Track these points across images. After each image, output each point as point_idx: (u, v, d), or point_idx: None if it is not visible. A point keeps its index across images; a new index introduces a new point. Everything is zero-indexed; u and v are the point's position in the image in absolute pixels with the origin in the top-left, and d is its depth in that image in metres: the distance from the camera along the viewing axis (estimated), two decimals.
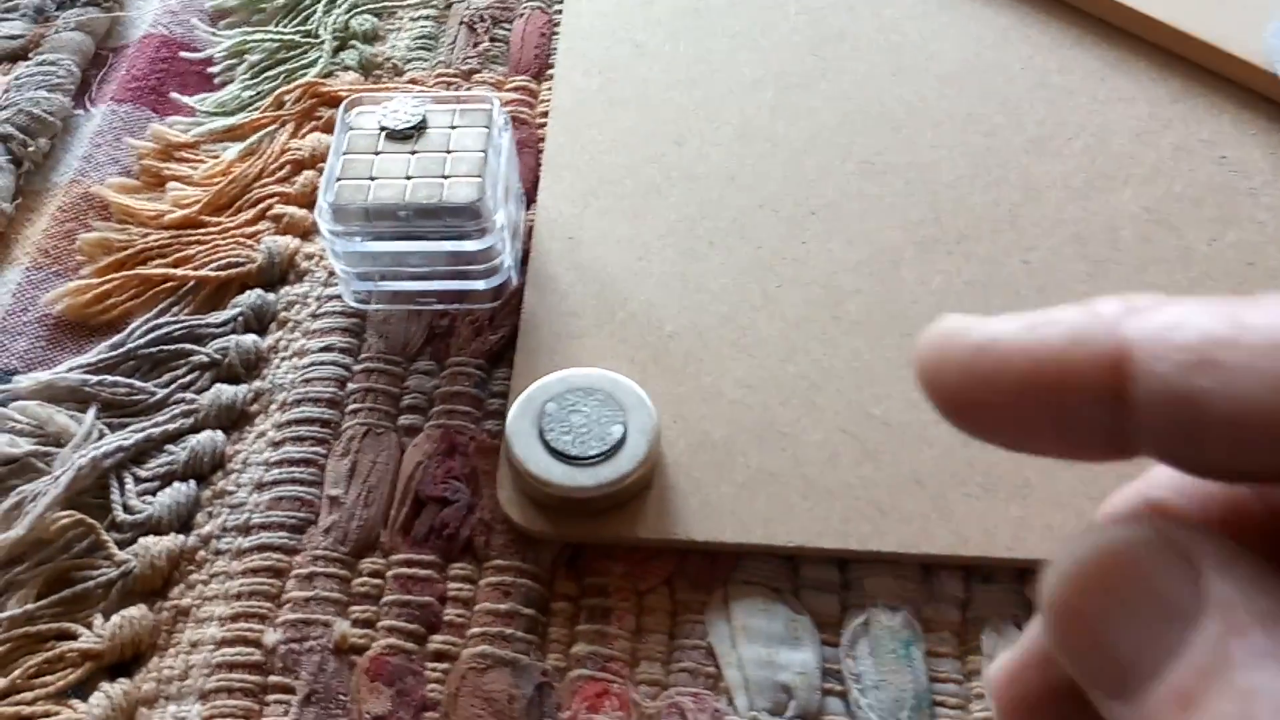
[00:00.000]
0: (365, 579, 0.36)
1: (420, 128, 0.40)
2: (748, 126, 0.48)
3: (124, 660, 0.34)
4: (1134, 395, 0.15)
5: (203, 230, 0.44)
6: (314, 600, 0.35)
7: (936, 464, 0.37)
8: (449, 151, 0.40)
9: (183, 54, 0.51)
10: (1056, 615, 0.17)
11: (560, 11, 0.53)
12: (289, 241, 0.44)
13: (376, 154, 0.40)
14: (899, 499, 0.36)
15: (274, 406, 0.40)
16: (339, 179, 0.39)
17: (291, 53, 0.51)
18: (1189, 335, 0.15)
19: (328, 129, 0.47)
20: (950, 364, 0.17)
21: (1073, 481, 0.36)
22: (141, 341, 0.41)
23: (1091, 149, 0.46)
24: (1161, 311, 0.15)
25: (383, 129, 0.40)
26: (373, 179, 0.39)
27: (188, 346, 0.41)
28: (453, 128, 0.41)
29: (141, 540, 0.36)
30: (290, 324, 0.42)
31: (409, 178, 0.39)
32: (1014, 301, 0.41)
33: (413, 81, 0.50)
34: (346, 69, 0.51)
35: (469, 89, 0.50)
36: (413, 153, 0.40)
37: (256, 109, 0.49)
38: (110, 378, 0.40)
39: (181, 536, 0.36)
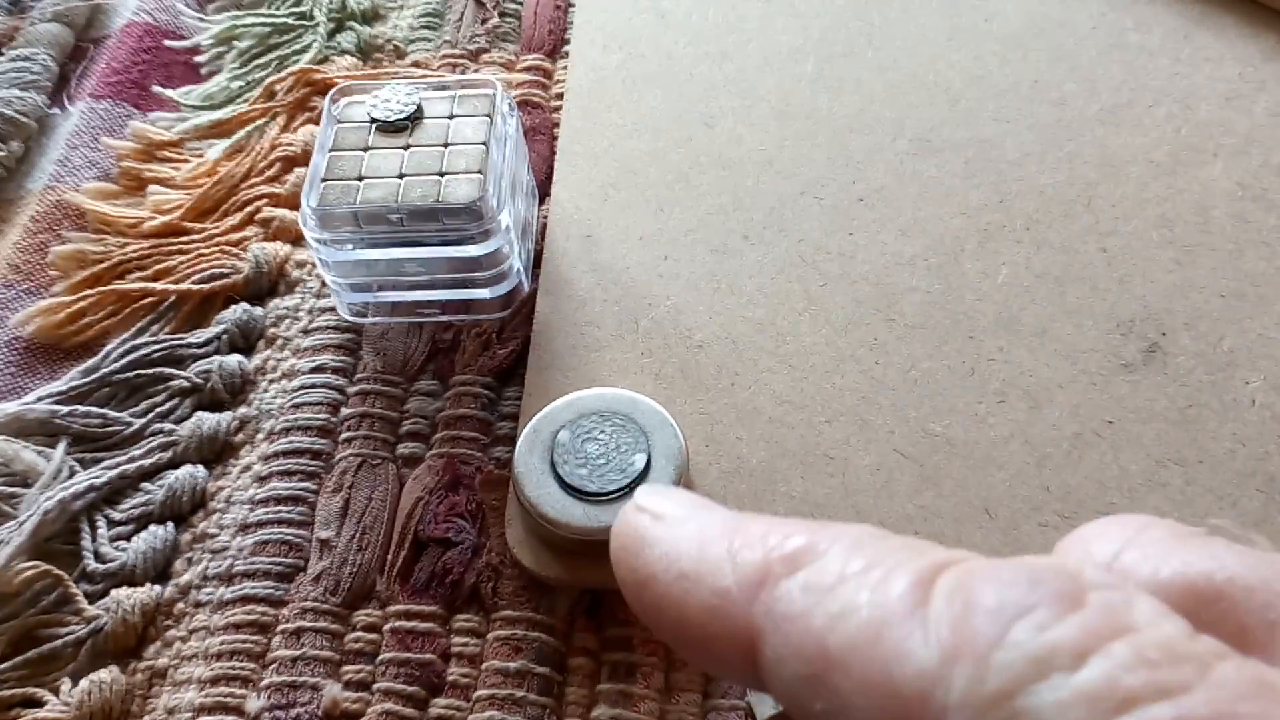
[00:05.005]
0: (359, 634, 0.31)
1: (415, 118, 0.36)
2: (786, 103, 0.43)
3: None
4: (763, 674, 0.15)
5: (185, 238, 0.40)
6: (302, 660, 0.31)
7: (1008, 490, 0.32)
8: (446, 145, 0.35)
9: (167, 43, 0.47)
10: None
11: None
12: (278, 248, 0.40)
13: (366, 150, 0.36)
14: (965, 530, 0.32)
15: (260, 436, 0.35)
16: (324, 179, 0.35)
17: (285, 37, 0.47)
18: (808, 645, 0.15)
19: None
20: (622, 569, 0.18)
21: (1163, 506, 0.31)
22: (117, 366, 0.37)
23: (1175, 117, 0.41)
24: (791, 596, 0.16)
25: (373, 121, 0.36)
26: (362, 179, 0.35)
27: (166, 370, 0.37)
28: (451, 117, 0.36)
29: (114, 593, 0.32)
30: (279, 341, 0.38)
31: (402, 176, 0.35)
32: (1091, 296, 0.36)
33: (416, 64, 0.46)
34: (344, 53, 0.46)
35: (476, 71, 0.45)
36: (406, 147, 0.35)
37: (246, 101, 0.45)
38: (82, 408, 0.36)
39: (158, 587, 0.33)
